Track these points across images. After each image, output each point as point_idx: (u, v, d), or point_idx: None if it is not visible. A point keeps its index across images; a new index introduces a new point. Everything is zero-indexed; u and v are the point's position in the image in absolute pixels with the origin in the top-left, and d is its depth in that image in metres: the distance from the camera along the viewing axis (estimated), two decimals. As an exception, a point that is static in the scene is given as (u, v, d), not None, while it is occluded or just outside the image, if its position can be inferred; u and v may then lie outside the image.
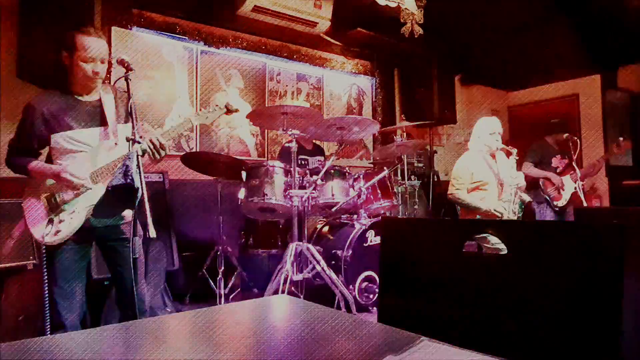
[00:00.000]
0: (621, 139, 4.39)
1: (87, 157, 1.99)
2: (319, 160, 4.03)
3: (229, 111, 2.31)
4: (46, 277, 1.96)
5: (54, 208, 1.98)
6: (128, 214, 2.07)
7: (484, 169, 3.42)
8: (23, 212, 2.01)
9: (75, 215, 1.97)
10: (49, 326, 2.01)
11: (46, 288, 1.96)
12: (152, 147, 1.97)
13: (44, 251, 1.98)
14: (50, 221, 1.96)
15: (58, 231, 1.94)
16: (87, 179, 1.95)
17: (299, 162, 3.72)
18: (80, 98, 2.05)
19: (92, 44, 1.97)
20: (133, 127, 1.88)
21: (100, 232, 2.06)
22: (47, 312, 1.97)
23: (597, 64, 5.82)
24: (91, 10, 3.02)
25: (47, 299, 1.97)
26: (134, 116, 1.91)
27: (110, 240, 2.10)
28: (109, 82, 3.36)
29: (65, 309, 1.96)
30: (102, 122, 2.04)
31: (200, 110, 2.28)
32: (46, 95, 2.04)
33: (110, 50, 3.61)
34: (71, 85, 2.05)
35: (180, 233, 3.70)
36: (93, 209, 1.99)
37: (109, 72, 3.49)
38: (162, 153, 2.02)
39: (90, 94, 2.08)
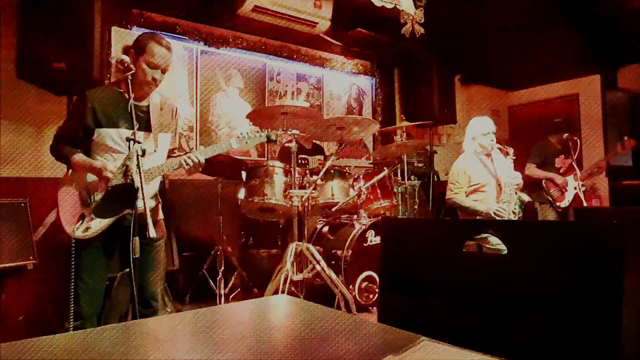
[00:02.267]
0: (625, 138, 4.37)
1: (127, 159, 2.01)
2: (319, 160, 4.03)
3: (269, 141, 2.35)
4: (73, 270, 1.99)
5: (87, 204, 2.01)
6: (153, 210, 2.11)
7: (481, 171, 3.40)
8: (57, 201, 2.04)
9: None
10: (71, 319, 2.04)
11: (72, 282, 2.00)
12: (190, 164, 2.08)
13: (72, 244, 2.01)
14: (82, 217, 1.99)
15: (88, 228, 1.98)
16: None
17: (299, 162, 3.72)
18: (131, 99, 2.07)
19: (161, 52, 2.04)
20: (133, 127, 1.89)
21: (125, 231, 2.08)
22: (72, 306, 2.02)
23: (597, 64, 5.81)
24: (91, 10, 3.02)
25: (72, 292, 2.01)
26: (133, 116, 1.93)
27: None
28: (109, 84, 3.38)
29: (87, 303, 2.02)
30: (147, 127, 2.09)
31: (241, 134, 2.28)
32: (102, 89, 2.10)
33: (110, 50, 3.64)
34: (127, 85, 2.08)
35: (180, 233, 3.70)
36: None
37: (109, 70, 3.51)
38: (199, 169, 2.14)
39: (143, 98, 2.12)
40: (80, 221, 1.99)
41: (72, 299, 2.00)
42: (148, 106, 2.12)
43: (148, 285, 2.13)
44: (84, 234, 1.97)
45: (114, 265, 2.20)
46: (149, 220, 1.80)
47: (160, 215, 2.25)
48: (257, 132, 2.33)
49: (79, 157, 2.02)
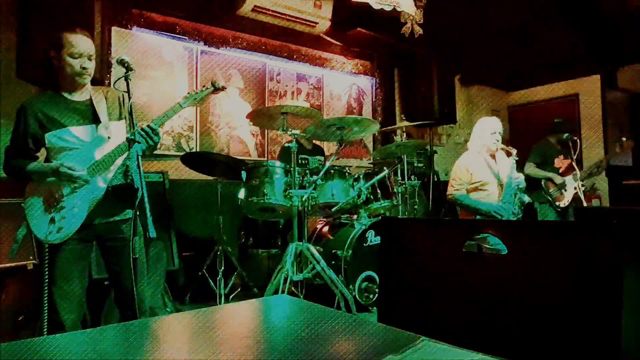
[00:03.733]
0: (624, 139, 4.38)
1: (82, 154, 2.00)
2: (319, 160, 4.03)
3: (215, 89, 2.30)
4: (46, 276, 1.96)
5: (54, 205, 1.99)
6: (129, 211, 2.08)
7: (483, 169, 3.41)
8: (24, 214, 2.01)
9: (76, 211, 1.97)
10: (46, 327, 2.00)
11: (45, 288, 1.96)
12: (144, 135, 1.96)
13: (46, 250, 1.98)
14: (52, 220, 1.97)
15: (60, 228, 1.95)
16: (85, 172, 1.95)
17: (299, 162, 3.72)
18: (70, 97, 2.08)
19: (79, 41, 2.01)
20: (132, 127, 1.88)
21: (100, 230, 2.06)
22: (46, 313, 1.96)
23: (597, 64, 5.82)
24: (91, 10, 3.02)
25: (45, 299, 1.96)
26: (133, 116, 1.92)
27: (110, 240, 2.10)
28: (109, 84, 3.38)
29: (65, 310, 1.95)
30: (94, 119, 2.06)
31: (188, 93, 2.24)
32: (38, 96, 2.08)
33: (110, 50, 3.65)
34: (62, 85, 2.07)
35: (180, 233, 3.70)
36: (93, 208, 2.00)
37: (109, 70, 3.50)
38: (156, 138, 2.00)
39: (80, 91, 2.10)
40: (52, 224, 1.95)
41: (45, 310, 1.94)
42: (90, 99, 2.09)
43: (136, 287, 2.10)
44: (57, 237, 1.94)
45: (101, 267, 2.17)
46: (149, 220, 1.79)
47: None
48: (203, 86, 2.29)
49: (32, 165, 2.00)
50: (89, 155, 2.00)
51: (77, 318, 2.00)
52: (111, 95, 2.17)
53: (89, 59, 2.04)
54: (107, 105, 2.11)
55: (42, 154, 2.08)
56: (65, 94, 2.07)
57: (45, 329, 1.99)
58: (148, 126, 1.99)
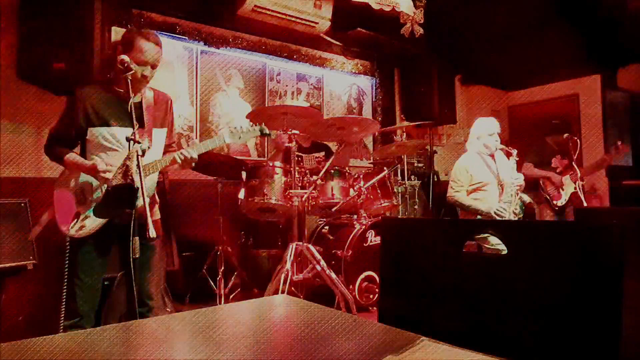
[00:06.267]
0: (619, 142, 4.42)
1: (120, 157, 2.01)
2: (316, 158, 4.02)
3: (262, 135, 2.32)
4: (67, 268, 2.00)
5: (82, 202, 2.01)
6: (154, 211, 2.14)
7: (483, 170, 3.41)
8: (53, 200, 2.06)
9: None
10: (62, 318, 2.05)
11: (65, 280, 2.02)
12: (181, 159, 2.06)
13: (67, 243, 2.02)
14: (77, 215, 2.00)
15: (82, 226, 1.98)
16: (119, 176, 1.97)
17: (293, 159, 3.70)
18: (133, 99, 2.07)
19: (150, 48, 2.02)
20: (133, 127, 1.89)
21: (121, 229, 2.08)
22: (64, 303, 2.05)
23: (597, 64, 5.81)
24: (91, 10, 3.02)
25: (65, 289, 2.03)
26: (133, 116, 1.92)
27: (128, 238, 2.13)
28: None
29: (83, 300, 2.02)
30: (140, 124, 2.07)
31: (234, 128, 2.24)
32: (92, 88, 2.08)
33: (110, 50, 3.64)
34: (116, 81, 2.06)
35: (180, 233, 3.70)
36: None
37: (109, 72, 3.50)
38: (193, 164, 2.12)
39: (135, 94, 2.10)
40: (75, 220, 1.99)
41: (64, 298, 2.01)
42: (140, 102, 2.11)
43: (144, 285, 2.13)
44: (78, 233, 1.97)
45: (112, 265, 2.20)
46: (149, 220, 1.79)
47: (157, 215, 2.25)
48: (251, 125, 2.28)
49: (71, 156, 2.03)
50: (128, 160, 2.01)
51: (92, 310, 2.08)
52: (160, 100, 2.19)
53: (152, 67, 2.05)
54: (155, 111, 2.14)
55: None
56: (118, 92, 2.07)
57: (61, 321, 2.05)
58: (189, 152, 2.06)
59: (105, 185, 2.00)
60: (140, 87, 2.10)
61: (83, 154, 2.06)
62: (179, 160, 2.05)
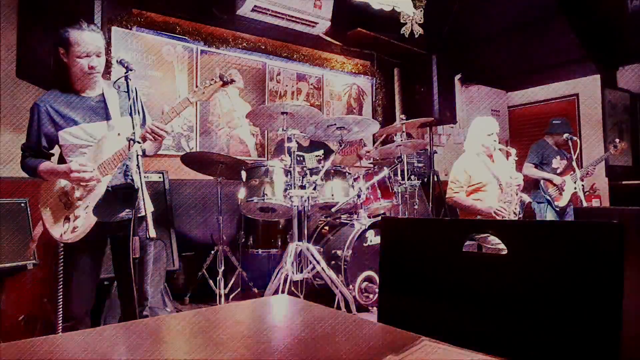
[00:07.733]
0: (617, 140, 4.43)
1: (94, 151, 2.01)
2: (317, 156, 4.02)
3: (224, 83, 2.24)
4: (61, 273, 2.00)
5: (68, 205, 2.00)
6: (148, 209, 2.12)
7: (482, 170, 3.40)
8: (41, 215, 2.03)
9: (89, 210, 1.98)
10: (61, 320, 2.05)
11: (60, 283, 2.01)
12: (150, 133, 1.98)
13: (61, 248, 2.02)
14: (67, 219, 1.99)
15: (75, 227, 1.96)
16: (96, 171, 1.96)
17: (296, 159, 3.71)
18: (82, 94, 2.07)
19: (86, 39, 1.96)
20: (133, 127, 1.88)
21: (113, 227, 2.07)
22: (61, 306, 2.04)
23: (597, 64, 5.81)
24: (91, 10, 3.02)
25: (60, 293, 2.03)
26: (133, 117, 1.92)
27: (122, 238, 2.11)
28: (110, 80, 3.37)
29: (79, 301, 2.02)
30: (106, 115, 2.05)
31: (196, 87, 2.20)
32: (49, 93, 2.06)
33: (110, 49, 3.64)
34: (72, 82, 2.05)
35: (180, 233, 3.70)
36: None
37: (109, 70, 3.50)
38: (164, 134, 2.02)
39: (91, 89, 2.08)
40: (66, 224, 1.97)
41: (60, 300, 2.00)
42: (102, 94, 2.08)
43: (141, 284, 2.12)
44: (71, 236, 1.95)
45: (107, 265, 2.19)
46: (150, 220, 1.79)
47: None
48: (212, 79, 2.21)
49: (43, 165, 2.00)
50: (101, 152, 2.00)
51: (87, 311, 2.06)
52: (123, 90, 2.15)
53: (97, 56, 2.01)
54: (119, 100, 2.11)
55: (56, 151, 2.09)
56: (76, 91, 2.06)
57: (60, 323, 2.04)
58: (154, 125, 2.00)
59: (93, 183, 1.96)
60: (94, 79, 2.05)
61: (62, 161, 2.04)
62: (150, 136, 1.98)
